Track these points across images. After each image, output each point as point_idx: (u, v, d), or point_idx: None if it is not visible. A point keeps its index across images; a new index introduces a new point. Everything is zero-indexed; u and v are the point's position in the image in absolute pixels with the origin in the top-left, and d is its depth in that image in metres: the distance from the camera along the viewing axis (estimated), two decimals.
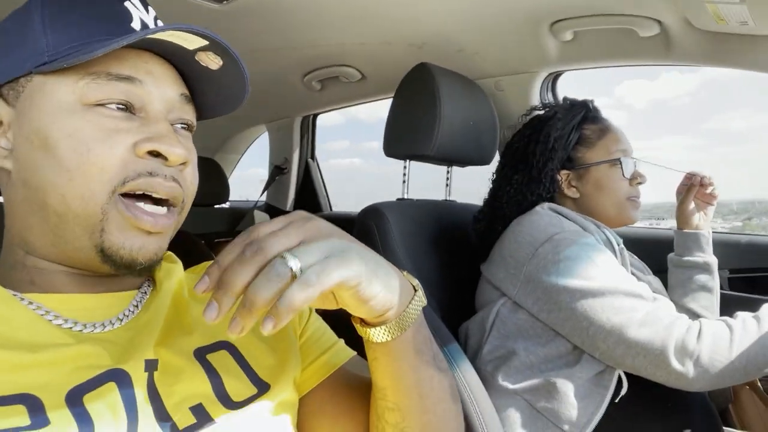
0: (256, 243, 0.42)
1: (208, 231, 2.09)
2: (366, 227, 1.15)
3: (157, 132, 0.51)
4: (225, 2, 1.23)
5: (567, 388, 0.95)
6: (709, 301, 1.17)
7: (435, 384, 0.55)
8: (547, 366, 0.99)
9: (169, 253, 0.65)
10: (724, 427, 1.02)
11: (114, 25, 0.52)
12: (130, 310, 0.55)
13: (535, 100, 1.57)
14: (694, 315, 1.17)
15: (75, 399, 0.45)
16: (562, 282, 0.95)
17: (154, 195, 0.51)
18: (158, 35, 0.49)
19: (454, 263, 1.22)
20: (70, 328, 0.50)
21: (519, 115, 1.28)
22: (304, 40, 1.53)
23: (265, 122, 2.53)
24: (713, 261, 1.18)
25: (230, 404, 0.52)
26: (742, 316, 0.89)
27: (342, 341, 0.69)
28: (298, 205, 2.48)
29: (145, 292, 0.59)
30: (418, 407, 0.54)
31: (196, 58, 0.54)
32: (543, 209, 1.08)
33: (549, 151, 1.12)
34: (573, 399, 0.94)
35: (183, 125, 0.57)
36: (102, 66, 0.50)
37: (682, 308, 1.18)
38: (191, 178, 0.56)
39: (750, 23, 1.05)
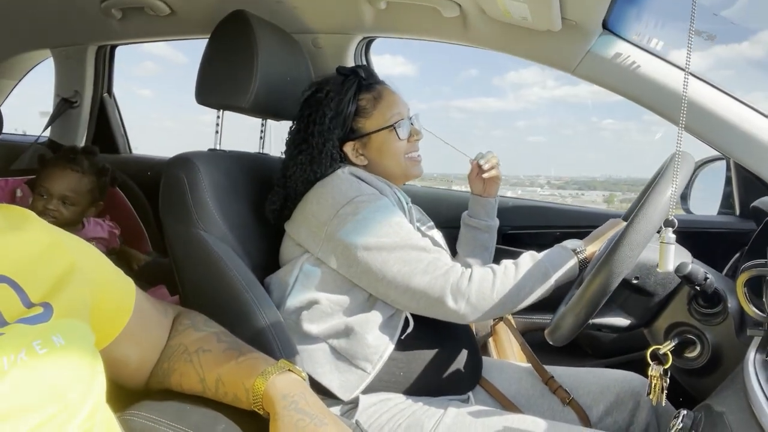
0: None
1: None
2: (174, 178, 1.11)
3: None
4: None
5: (363, 330, 1.07)
6: (483, 257, 1.39)
7: None
8: (345, 312, 1.09)
9: None
10: (483, 357, 1.25)
11: None
12: None
13: (350, 62, 1.64)
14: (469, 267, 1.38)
15: None
16: (360, 240, 1.05)
17: None
18: None
19: (264, 217, 1.24)
20: None
21: (306, 88, 1.26)
22: None
23: (50, 47, 2.20)
24: (494, 224, 1.39)
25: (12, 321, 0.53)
26: (505, 263, 1.09)
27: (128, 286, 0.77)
28: (93, 144, 2.23)
29: None
30: None
31: None
32: (344, 174, 1.15)
33: (326, 132, 1.17)
34: (367, 338, 1.06)
35: None
36: None
37: (462, 260, 1.38)
38: None
39: (529, 19, 1.24)
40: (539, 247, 1.11)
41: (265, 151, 1.49)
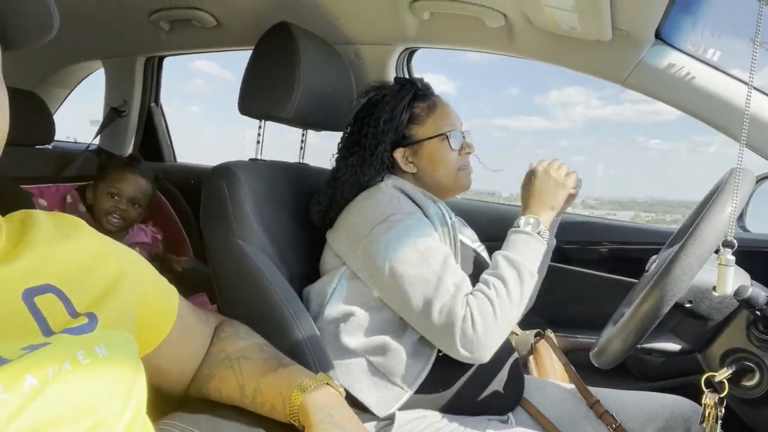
0: None
1: (29, 174, 1.86)
2: (216, 187, 1.12)
3: None
4: None
5: (400, 346, 1.05)
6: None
7: None
8: (381, 328, 1.07)
9: None
10: (525, 375, 1.21)
11: None
12: None
13: (392, 73, 1.63)
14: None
15: None
16: (387, 264, 1.04)
17: None
18: None
19: (305, 227, 1.24)
20: None
21: (360, 93, 1.29)
22: None
23: (101, 57, 2.28)
24: (553, 244, 1.34)
25: (58, 331, 0.53)
26: (492, 282, 1.02)
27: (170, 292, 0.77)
28: (140, 152, 2.29)
29: None
30: None
31: None
32: (387, 186, 1.14)
33: (379, 135, 1.18)
34: (404, 356, 1.04)
35: None
36: None
37: None
38: None
39: (578, 29, 1.20)
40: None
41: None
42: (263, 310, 1.04)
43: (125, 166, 1.76)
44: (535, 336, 1.42)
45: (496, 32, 1.37)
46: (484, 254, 1.29)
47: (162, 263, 1.79)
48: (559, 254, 1.64)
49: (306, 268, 1.22)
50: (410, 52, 1.67)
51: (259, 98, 1.25)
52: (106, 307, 0.60)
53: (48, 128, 2.08)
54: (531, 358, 1.41)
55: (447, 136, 1.19)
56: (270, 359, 0.79)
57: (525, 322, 1.39)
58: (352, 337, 1.08)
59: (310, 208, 1.22)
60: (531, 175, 1.18)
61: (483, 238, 1.37)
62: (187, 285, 1.59)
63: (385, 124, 1.17)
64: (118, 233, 1.74)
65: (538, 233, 1.07)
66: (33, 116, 2.00)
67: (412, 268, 1.03)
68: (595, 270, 1.61)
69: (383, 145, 1.17)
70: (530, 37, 1.33)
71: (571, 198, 1.29)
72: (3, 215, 0.64)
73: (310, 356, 0.98)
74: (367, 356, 1.07)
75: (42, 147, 2.11)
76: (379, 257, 1.05)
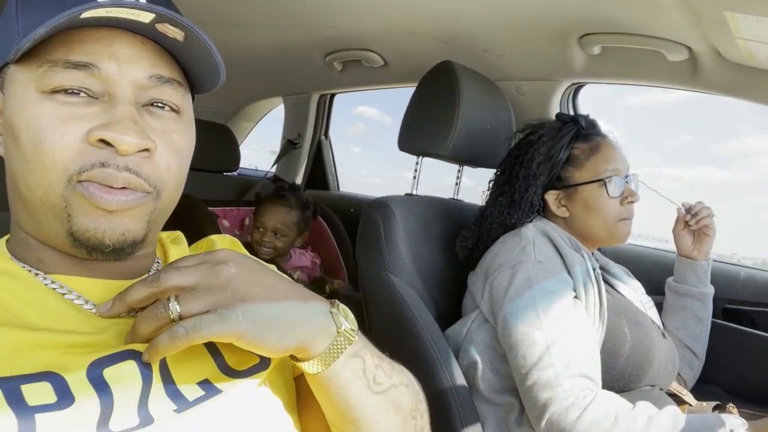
0: (162, 272, 0.45)
1: (216, 198, 2.11)
2: (372, 221, 1.16)
3: (113, 117, 0.47)
4: None
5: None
6: (697, 330, 1.19)
7: (369, 408, 0.54)
8: (511, 383, 1.00)
9: (178, 233, 0.67)
10: None
11: (82, 3, 0.46)
12: None
13: (555, 109, 1.57)
14: (681, 344, 1.19)
15: (95, 373, 0.45)
16: (501, 313, 0.99)
17: (113, 186, 0.48)
18: (97, 12, 0.44)
19: (455, 264, 1.23)
20: (90, 309, 0.51)
21: (519, 128, 1.25)
22: (330, 21, 1.53)
23: (282, 95, 2.53)
24: (708, 291, 1.19)
25: (233, 373, 0.52)
26: (638, 412, 0.88)
27: None
28: (308, 181, 2.48)
29: None
30: (351, 428, 0.54)
31: (160, 30, 0.49)
32: (527, 230, 1.08)
33: (531, 177, 1.11)
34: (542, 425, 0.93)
35: (160, 106, 0.52)
36: (61, 53, 0.48)
37: (672, 335, 1.19)
38: (166, 164, 0.51)
39: None
40: None
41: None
42: (411, 349, 1.04)
43: (272, 198, 1.84)
44: (714, 409, 1.23)
45: (677, 66, 1.25)
46: (652, 311, 1.16)
47: (318, 285, 1.89)
48: (735, 315, 1.41)
49: (453, 307, 1.20)
50: (576, 88, 1.60)
51: (418, 135, 1.28)
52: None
53: (235, 158, 2.35)
54: None
55: (605, 182, 1.09)
56: None
57: (700, 391, 1.22)
58: (492, 388, 1.03)
59: (457, 244, 1.20)
60: None
61: (653, 291, 1.23)
62: None
63: (538, 167, 1.11)
64: (282, 258, 1.87)
65: None
66: (224, 147, 2.28)
67: (522, 325, 0.95)
68: None
69: (533, 189, 1.12)
70: (719, 71, 1.19)
71: (706, 235, 1.16)
72: (192, 233, 0.70)
73: (455, 405, 0.95)
74: (507, 416, 1.01)
75: (229, 174, 2.38)
76: (496, 303, 1.01)
